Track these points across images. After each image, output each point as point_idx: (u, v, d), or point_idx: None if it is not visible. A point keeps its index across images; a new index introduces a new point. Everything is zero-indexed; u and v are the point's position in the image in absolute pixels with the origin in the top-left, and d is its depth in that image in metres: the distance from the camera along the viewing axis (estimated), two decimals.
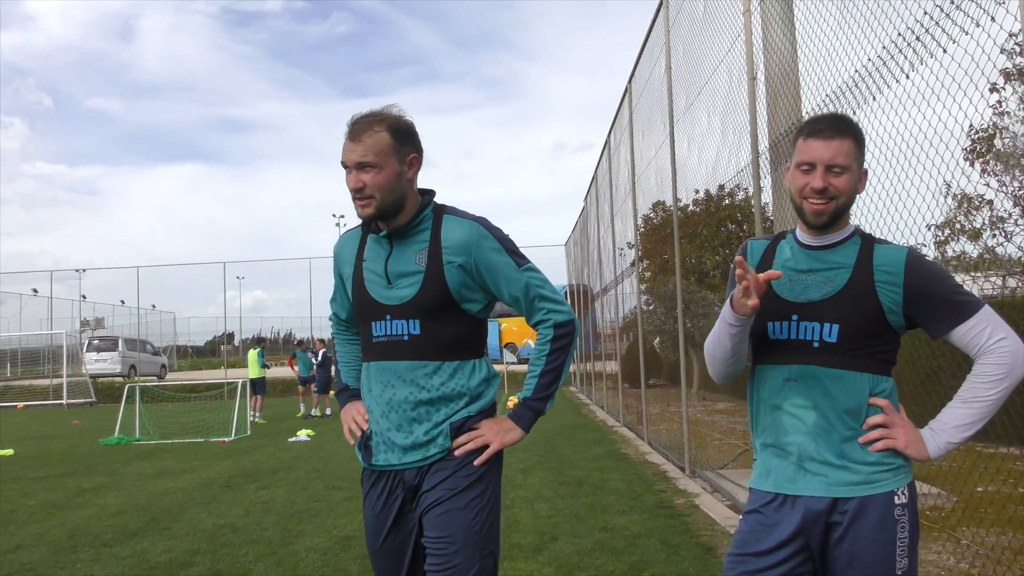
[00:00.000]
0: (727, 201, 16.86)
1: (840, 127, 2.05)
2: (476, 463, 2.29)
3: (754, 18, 5.33)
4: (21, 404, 27.21)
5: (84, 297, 38.62)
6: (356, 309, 2.46)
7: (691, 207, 15.03)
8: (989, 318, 1.99)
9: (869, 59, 4.05)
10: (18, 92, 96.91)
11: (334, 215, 55.55)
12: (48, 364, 32.42)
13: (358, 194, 2.29)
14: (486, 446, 2.31)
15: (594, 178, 16.85)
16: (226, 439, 13.41)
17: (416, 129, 2.39)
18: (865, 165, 2.14)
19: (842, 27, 4.27)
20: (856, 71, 4.18)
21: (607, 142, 14.03)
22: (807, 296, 2.08)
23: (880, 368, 2.06)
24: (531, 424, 2.38)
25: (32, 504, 7.74)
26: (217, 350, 47.15)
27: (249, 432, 14.52)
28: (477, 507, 2.28)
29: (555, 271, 28.68)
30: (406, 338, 2.33)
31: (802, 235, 2.16)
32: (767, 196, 5.88)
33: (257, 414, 17.08)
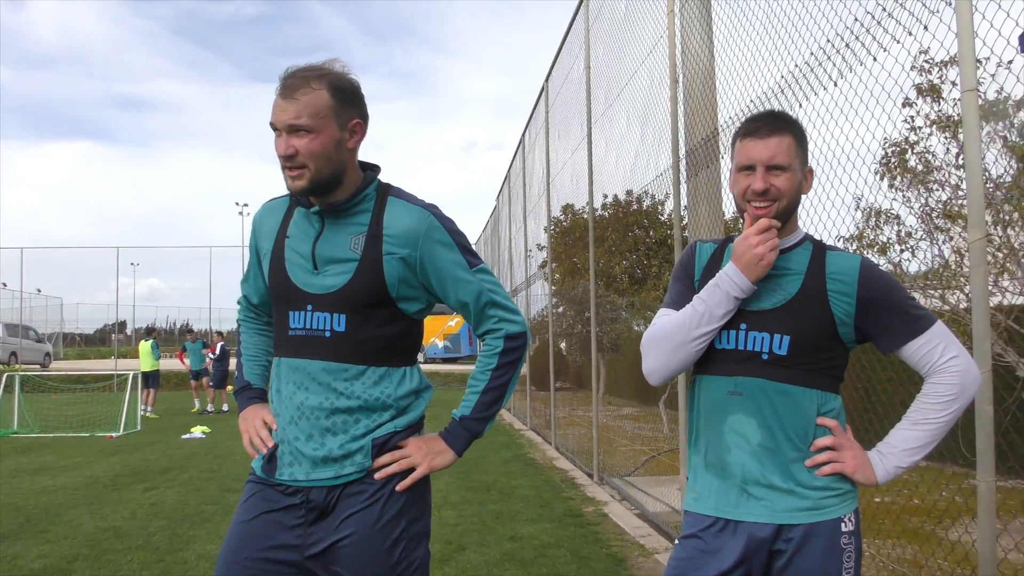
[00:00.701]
0: (635, 206, 17.06)
1: (777, 124, 1.95)
2: (398, 487, 1.96)
3: (678, 20, 5.29)
4: None
5: None
6: (272, 294, 2.10)
7: (599, 211, 15.13)
8: (942, 335, 1.91)
9: (789, 71, 4.04)
10: None
11: (237, 203, 54.07)
12: None
13: (288, 162, 1.94)
14: (412, 469, 1.98)
15: (507, 177, 16.76)
16: (114, 434, 12.73)
17: (362, 92, 2.04)
18: (810, 163, 2.03)
19: (763, 36, 4.26)
20: (776, 82, 4.17)
21: (521, 141, 13.95)
22: (757, 304, 1.96)
23: (829, 385, 1.96)
24: (466, 446, 2.07)
25: None
26: (108, 339, 45.10)
27: (140, 427, 13.83)
28: (402, 546, 1.96)
29: None
30: (328, 334, 1.98)
31: None
32: (684, 202, 5.87)
33: (148, 408, 16.30)
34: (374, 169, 2.11)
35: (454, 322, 32.29)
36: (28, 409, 14.04)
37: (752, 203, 1.94)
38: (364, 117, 2.05)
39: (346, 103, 1.98)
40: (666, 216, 15.72)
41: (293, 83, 1.94)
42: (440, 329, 32.31)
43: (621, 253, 18.34)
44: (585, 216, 15.18)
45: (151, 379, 16.52)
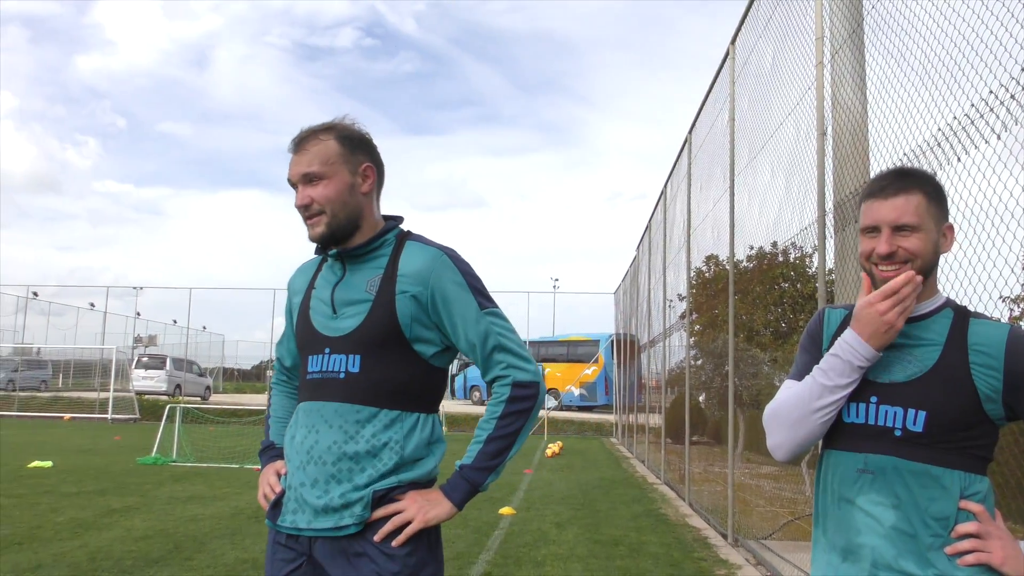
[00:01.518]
0: (780, 259, 16.52)
1: (905, 181, 1.80)
2: (394, 543, 1.89)
3: (826, 71, 5.12)
4: (68, 416, 27.64)
5: (139, 314, 39.53)
6: (298, 343, 2.14)
7: (744, 263, 14.74)
8: None
9: (947, 122, 3.81)
10: (94, 113, 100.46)
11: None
12: (98, 378, 32.98)
13: (305, 211, 2.01)
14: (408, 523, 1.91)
15: (648, 228, 16.64)
16: (260, 467, 13.30)
17: (372, 140, 2.11)
18: (951, 220, 1.86)
19: (918, 88, 4.05)
20: (932, 135, 3.94)
21: (663, 192, 13.84)
22: (889, 376, 1.79)
23: (974, 465, 1.75)
24: (465, 499, 1.96)
25: (59, 521, 7.67)
26: (262, 375, 47.56)
27: None
28: None
29: (604, 319, 28.39)
30: (342, 375, 1.97)
31: None
32: (830, 257, 5.62)
33: None
34: (397, 219, 2.15)
35: (591, 370, 32.08)
36: (187, 439, 14.93)
37: (878, 266, 1.80)
38: (376, 162, 2.10)
39: (355, 149, 2.05)
40: (814, 269, 15.14)
41: (303, 138, 2.04)
42: (576, 376, 32.17)
43: (765, 306, 17.78)
44: (728, 267, 14.87)
45: None
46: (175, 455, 14.19)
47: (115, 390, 27.83)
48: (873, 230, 1.81)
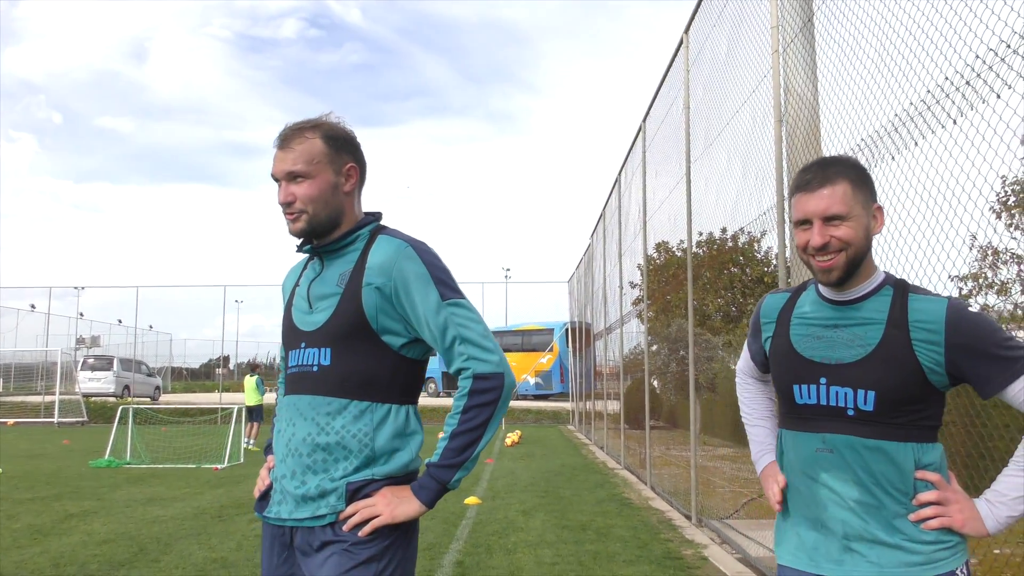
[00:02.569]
0: (730, 244, 16.80)
1: (828, 172, 1.85)
2: (360, 534, 1.92)
3: (782, 59, 5.23)
4: (11, 420, 26.91)
5: (81, 315, 38.56)
6: (283, 339, 2.18)
7: (695, 249, 14.95)
8: None
9: (896, 114, 3.94)
10: (28, 108, 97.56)
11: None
12: (42, 381, 32.14)
13: (287, 208, 2.05)
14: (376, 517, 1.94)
15: (602, 215, 16.77)
16: (218, 466, 13.15)
17: (357, 140, 2.14)
18: (881, 201, 1.93)
19: (870, 78, 4.17)
20: (884, 123, 4.06)
21: (617, 180, 13.96)
22: (836, 356, 1.87)
23: (925, 435, 1.84)
24: (435, 498, 1.95)
25: (16, 528, 7.50)
26: (212, 373, 46.82)
27: (242, 460, 14.25)
28: None
29: (558, 307, 28.53)
30: (315, 368, 2.01)
31: (825, 289, 1.95)
32: (788, 239, 5.76)
33: (251, 440, 16.80)
34: (375, 215, 2.18)
35: (546, 359, 32.25)
36: (140, 441, 14.65)
37: (815, 258, 1.86)
38: (359, 162, 2.13)
39: (340, 149, 2.07)
40: (763, 253, 15.42)
41: (289, 135, 2.06)
42: (532, 365, 32.31)
43: (716, 291, 18.06)
44: (678, 254, 15.04)
45: (255, 413, 17.03)
46: (129, 457, 13.93)
47: (61, 393, 27.16)
48: (805, 223, 1.86)
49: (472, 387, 1.94)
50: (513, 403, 27.79)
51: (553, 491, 10.05)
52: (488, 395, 1.94)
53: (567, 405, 27.79)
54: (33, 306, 37.26)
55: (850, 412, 1.83)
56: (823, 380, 1.87)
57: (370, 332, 1.99)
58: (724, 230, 13.63)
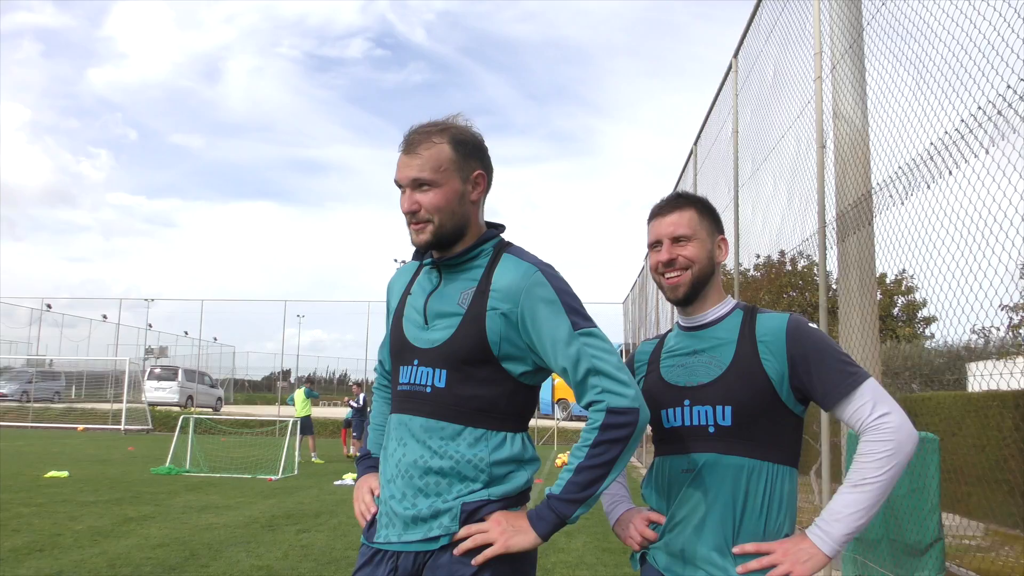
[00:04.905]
0: (788, 267, 16.60)
1: (678, 201, 2.10)
2: (473, 562, 1.81)
3: (825, 85, 5.24)
4: (81, 426, 27.87)
5: (150, 326, 39.85)
6: (391, 350, 2.08)
7: (752, 272, 14.82)
8: (872, 392, 1.85)
9: (946, 131, 3.92)
10: (106, 125, 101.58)
11: (396, 260, 56.57)
12: (111, 389, 33.24)
13: (412, 217, 1.93)
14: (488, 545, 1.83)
15: None
16: (273, 477, 13.46)
17: (485, 144, 2.02)
18: (727, 235, 2.18)
19: (917, 98, 4.16)
20: (931, 143, 4.05)
21: None
22: (696, 379, 2.00)
23: (783, 458, 1.93)
24: (551, 531, 1.83)
25: (78, 529, 7.82)
26: (273, 386, 47.78)
27: (296, 472, 14.55)
28: None
29: (613, 329, 28.43)
30: (428, 390, 1.91)
31: (682, 319, 2.13)
32: (831, 265, 5.72)
33: (315, 454, 17.35)
34: (498, 227, 2.07)
35: None
36: (199, 450, 15.07)
37: (664, 275, 2.06)
38: (487, 169, 2.02)
39: (468, 155, 1.96)
40: (832, 278, 15.21)
41: (416, 139, 1.94)
42: None
43: None
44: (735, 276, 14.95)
45: (306, 426, 17.40)
46: (188, 465, 14.34)
47: (128, 401, 28.05)
48: (656, 244, 2.09)
49: (605, 421, 1.81)
50: (566, 424, 27.76)
51: (598, 513, 10.03)
52: (621, 431, 1.81)
53: None
54: (105, 316, 38.69)
55: (711, 429, 1.94)
56: (687, 402, 1.99)
57: (491, 358, 1.89)
58: (783, 253, 13.52)
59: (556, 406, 31.52)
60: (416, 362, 1.96)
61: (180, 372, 33.75)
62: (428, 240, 1.95)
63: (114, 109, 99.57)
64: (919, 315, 19.17)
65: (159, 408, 30.22)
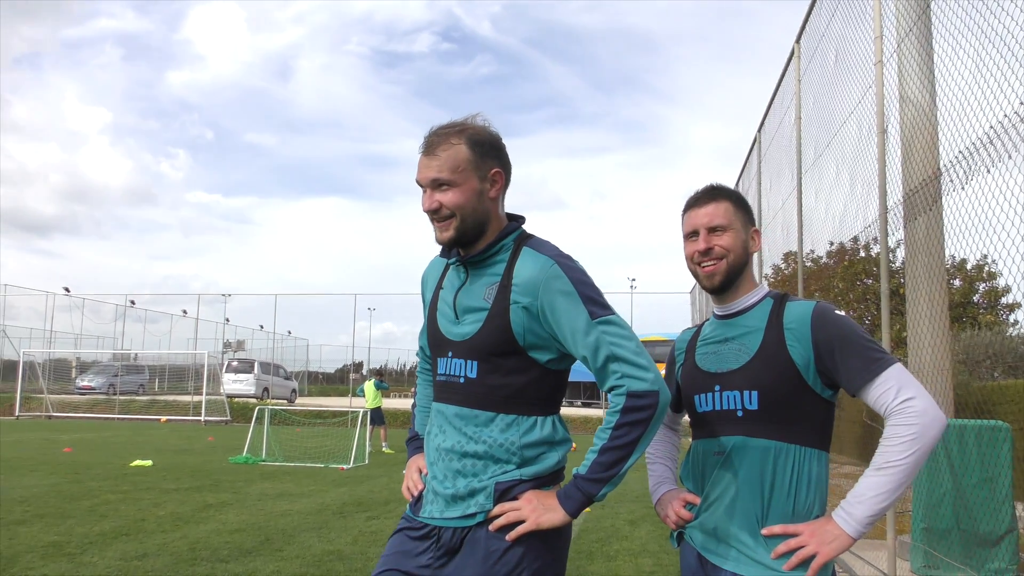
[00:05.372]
0: (862, 254, 16.23)
1: (713, 193, 2.15)
2: (508, 537, 1.93)
3: (887, 69, 5.15)
4: (164, 418, 28.95)
5: (228, 320, 41.00)
6: (429, 343, 2.22)
7: (824, 259, 14.54)
8: (898, 376, 1.87)
9: (1014, 110, 3.82)
10: (184, 126, 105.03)
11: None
12: (191, 382, 34.38)
13: (435, 215, 2.04)
14: (521, 522, 1.94)
15: None
16: (344, 466, 13.79)
17: (502, 143, 2.11)
18: (756, 226, 2.20)
19: (991, 72, 4.04)
20: (999, 121, 3.95)
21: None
22: (726, 365, 2.08)
23: (812, 441, 1.98)
24: (579, 508, 1.93)
25: (161, 515, 8.20)
26: (346, 378, 48.80)
27: (367, 461, 14.89)
28: None
29: (681, 318, 28.19)
30: (462, 380, 2.04)
31: (716, 307, 2.19)
32: (899, 250, 5.62)
33: (386, 443, 17.70)
34: (518, 219, 2.15)
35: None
36: (275, 440, 15.55)
37: (700, 264, 2.13)
38: (504, 166, 2.09)
39: (485, 155, 2.04)
40: (898, 263, 14.84)
41: (434, 140, 2.03)
42: None
43: (848, 303, 17.43)
44: (807, 264, 14.67)
45: (376, 417, 17.77)
46: (264, 455, 14.79)
47: (207, 393, 29.01)
48: (693, 235, 2.14)
49: (626, 404, 1.90)
50: None
51: None
52: (642, 413, 1.89)
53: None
54: (185, 311, 39.95)
55: (739, 413, 2.01)
56: (717, 387, 2.07)
57: (517, 348, 2.00)
58: (856, 239, 13.22)
59: None
60: (450, 354, 2.09)
61: (256, 365, 34.66)
62: (452, 236, 2.05)
63: (191, 110, 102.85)
64: (1001, 302, 18.53)
65: (237, 400, 31.12)
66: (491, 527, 1.96)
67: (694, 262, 2.15)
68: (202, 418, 28.20)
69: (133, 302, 40.24)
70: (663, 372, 2.19)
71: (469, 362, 2.04)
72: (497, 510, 1.97)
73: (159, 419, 28.80)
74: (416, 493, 2.18)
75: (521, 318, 1.98)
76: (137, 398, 33.36)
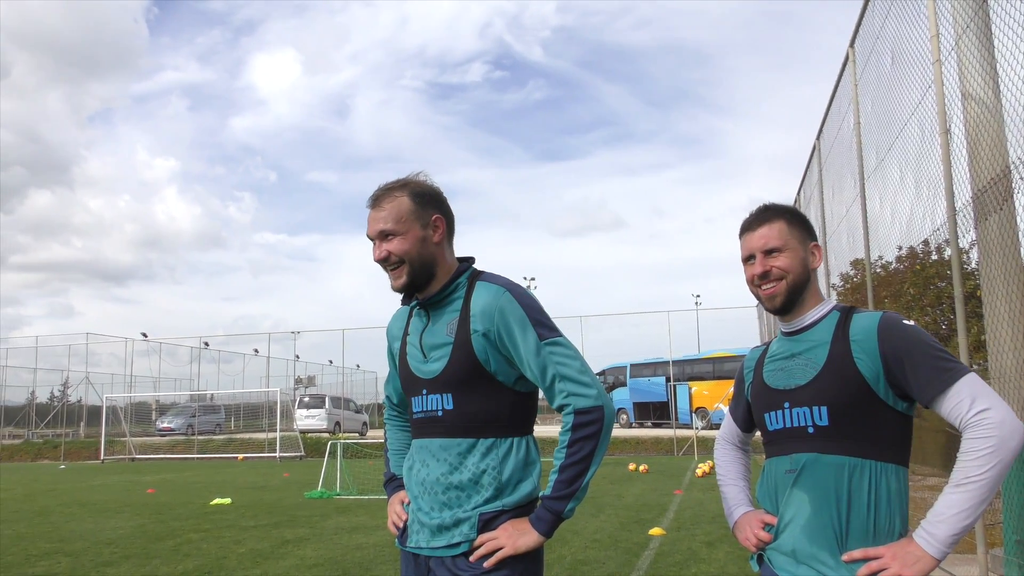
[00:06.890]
0: (935, 257, 15.76)
1: (766, 214, 2.13)
2: (486, 564, 2.07)
3: (946, 68, 5.02)
4: (241, 456, 29.53)
5: (297, 357, 41.74)
6: (402, 385, 2.37)
7: (894, 264, 14.16)
8: (971, 386, 1.81)
9: None
10: (248, 169, 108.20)
11: (525, 278, 57.09)
12: (265, 419, 35.04)
13: (385, 263, 2.21)
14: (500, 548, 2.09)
15: None
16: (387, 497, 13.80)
17: (442, 194, 2.29)
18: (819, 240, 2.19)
19: None
20: None
21: (797, 200, 13.55)
22: (794, 381, 2.05)
23: (887, 455, 1.92)
24: (551, 528, 2.07)
25: (241, 552, 8.35)
26: None
27: None
28: None
29: (749, 334, 27.70)
30: (440, 413, 2.18)
31: (782, 325, 2.17)
32: (973, 251, 5.44)
33: None
34: (468, 260, 2.31)
35: None
36: (348, 473, 15.72)
37: (760, 287, 2.11)
38: (445, 213, 2.26)
39: (426, 204, 2.22)
40: (972, 265, 14.36)
41: (380, 195, 2.23)
42: (724, 394, 31.42)
43: (921, 308, 16.93)
44: (877, 270, 14.30)
45: None
46: (339, 488, 14.97)
47: (281, 430, 29.51)
48: (750, 259, 2.14)
49: (575, 422, 2.06)
50: (705, 433, 27.15)
51: None
52: (590, 428, 2.05)
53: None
54: (256, 350, 40.80)
55: (810, 430, 1.97)
56: (786, 404, 2.04)
57: (485, 374, 2.14)
58: (927, 243, 12.85)
59: (695, 415, 30.88)
60: (425, 391, 2.23)
61: (327, 400, 35.15)
62: (405, 282, 2.21)
63: (254, 153, 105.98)
64: None
65: (310, 435, 31.58)
66: (472, 557, 2.09)
67: (754, 284, 2.15)
68: (277, 454, 28.66)
69: (207, 344, 41.30)
70: (731, 391, 2.23)
71: (444, 395, 2.18)
72: (478, 541, 2.10)
73: (236, 457, 29.38)
74: (401, 525, 2.30)
75: (482, 344, 2.13)
76: (214, 437, 34.09)
